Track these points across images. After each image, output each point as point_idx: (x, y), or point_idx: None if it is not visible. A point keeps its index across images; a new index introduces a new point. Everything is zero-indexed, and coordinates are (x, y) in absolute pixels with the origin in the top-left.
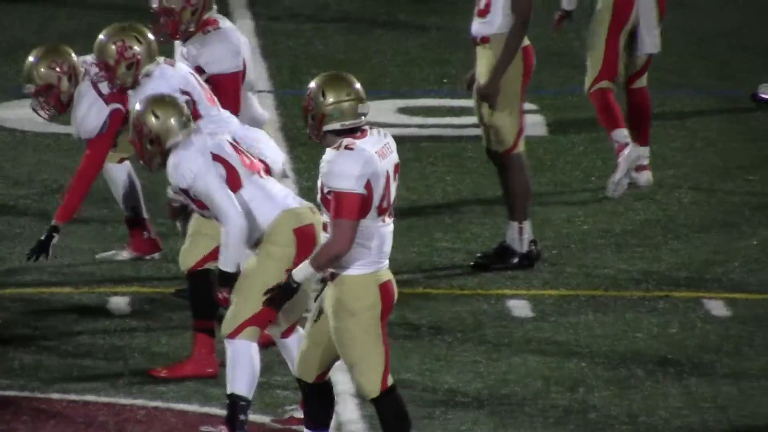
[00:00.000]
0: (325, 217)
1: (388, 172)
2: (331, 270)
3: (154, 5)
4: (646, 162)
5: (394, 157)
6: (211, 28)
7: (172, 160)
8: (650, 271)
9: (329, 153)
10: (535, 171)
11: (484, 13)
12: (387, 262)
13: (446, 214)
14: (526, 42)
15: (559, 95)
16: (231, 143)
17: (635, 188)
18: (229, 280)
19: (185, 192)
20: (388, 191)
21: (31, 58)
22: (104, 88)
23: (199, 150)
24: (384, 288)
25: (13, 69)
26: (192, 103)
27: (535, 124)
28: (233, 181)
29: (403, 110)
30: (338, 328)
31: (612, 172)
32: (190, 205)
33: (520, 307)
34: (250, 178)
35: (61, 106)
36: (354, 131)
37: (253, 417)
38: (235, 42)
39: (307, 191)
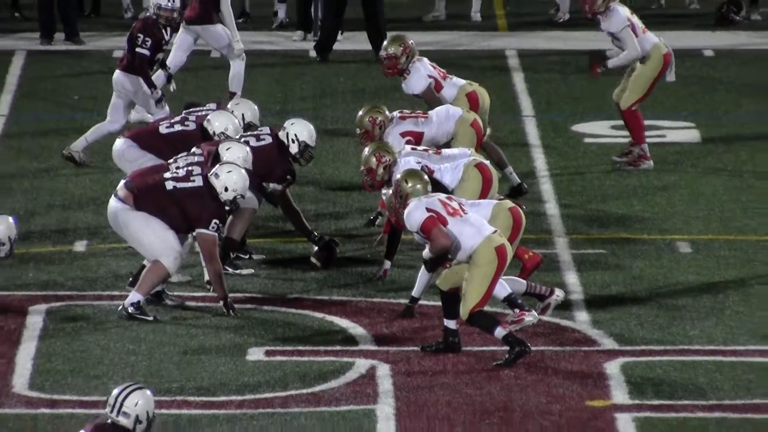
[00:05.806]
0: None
1: (438, 199)
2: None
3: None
4: None
5: (439, 195)
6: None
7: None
8: None
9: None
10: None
11: None
12: (491, 230)
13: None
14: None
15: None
16: (441, 200)
17: None
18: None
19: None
20: (445, 204)
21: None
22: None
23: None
24: (499, 249)
25: None
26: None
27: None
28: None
29: (614, 127)
30: (470, 271)
31: None
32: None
33: (683, 247)
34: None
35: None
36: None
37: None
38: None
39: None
